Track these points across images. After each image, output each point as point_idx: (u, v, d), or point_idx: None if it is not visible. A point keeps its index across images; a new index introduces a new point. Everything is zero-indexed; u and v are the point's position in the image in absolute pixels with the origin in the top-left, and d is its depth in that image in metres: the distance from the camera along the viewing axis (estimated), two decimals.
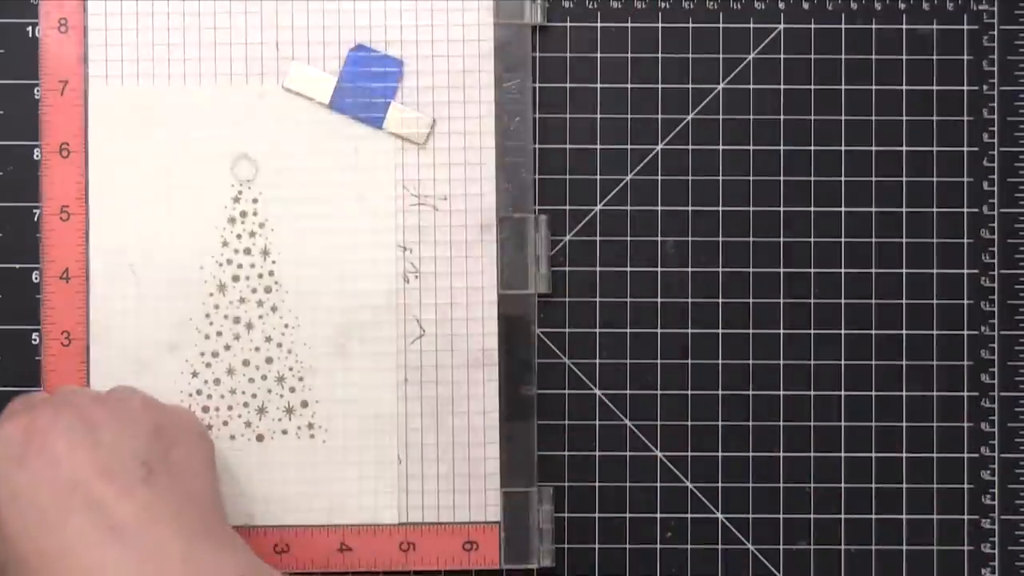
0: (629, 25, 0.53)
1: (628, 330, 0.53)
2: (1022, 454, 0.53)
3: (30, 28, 0.53)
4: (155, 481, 0.42)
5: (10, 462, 0.42)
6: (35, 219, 0.52)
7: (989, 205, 0.53)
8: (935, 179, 0.53)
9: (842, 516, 0.53)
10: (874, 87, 0.53)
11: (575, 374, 0.53)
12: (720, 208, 0.53)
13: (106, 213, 0.52)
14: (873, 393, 0.53)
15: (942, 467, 0.53)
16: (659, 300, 0.53)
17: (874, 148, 0.53)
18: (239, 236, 0.52)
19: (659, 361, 0.53)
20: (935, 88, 0.53)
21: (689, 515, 0.53)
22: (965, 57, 0.53)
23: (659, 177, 0.53)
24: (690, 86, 0.53)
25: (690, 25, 0.53)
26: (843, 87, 0.53)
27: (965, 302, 0.53)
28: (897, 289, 0.53)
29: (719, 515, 0.53)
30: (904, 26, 0.53)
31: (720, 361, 0.53)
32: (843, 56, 0.53)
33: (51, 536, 0.40)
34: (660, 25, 0.53)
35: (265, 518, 0.52)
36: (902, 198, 0.53)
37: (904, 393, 0.53)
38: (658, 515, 0.53)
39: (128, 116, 0.52)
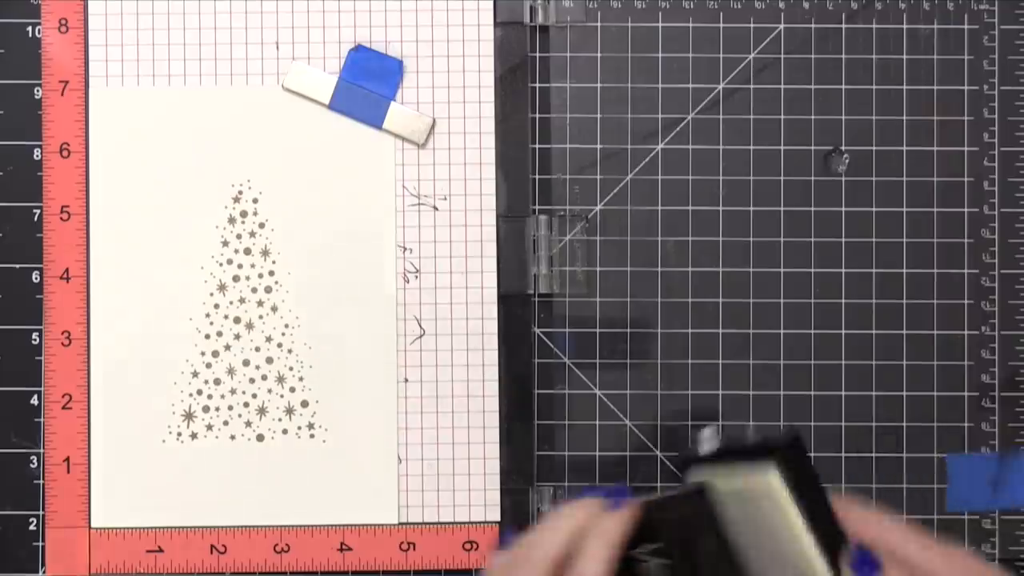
0: (629, 25, 0.53)
1: (628, 330, 0.53)
2: None
3: (31, 28, 0.53)
4: None
5: None
6: (35, 219, 0.52)
7: (989, 205, 0.53)
8: (935, 179, 0.53)
9: None
10: (874, 87, 0.53)
11: (575, 374, 0.53)
12: (720, 208, 0.53)
13: (106, 213, 0.52)
14: (873, 393, 0.53)
15: (943, 467, 0.53)
16: (659, 300, 0.53)
17: (874, 148, 0.53)
18: (239, 236, 0.52)
19: (659, 361, 0.53)
20: (935, 88, 0.53)
21: None
22: (965, 57, 0.53)
23: (659, 177, 0.53)
24: (690, 86, 0.53)
25: (690, 25, 0.53)
26: (843, 87, 0.53)
27: (965, 302, 0.53)
28: (897, 289, 0.53)
29: None
30: (904, 26, 0.53)
31: (720, 361, 0.53)
32: (843, 56, 0.53)
33: None
34: (660, 25, 0.53)
35: (265, 518, 0.52)
36: (902, 198, 0.53)
37: (904, 393, 0.53)
38: None
39: (128, 116, 0.52)
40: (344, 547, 0.52)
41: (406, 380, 0.52)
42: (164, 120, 0.52)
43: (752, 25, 0.53)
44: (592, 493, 0.36)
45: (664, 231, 0.53)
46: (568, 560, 0.35)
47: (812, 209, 0.53)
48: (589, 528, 0.35)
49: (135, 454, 0.52)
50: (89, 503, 0.52)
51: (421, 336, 0.52)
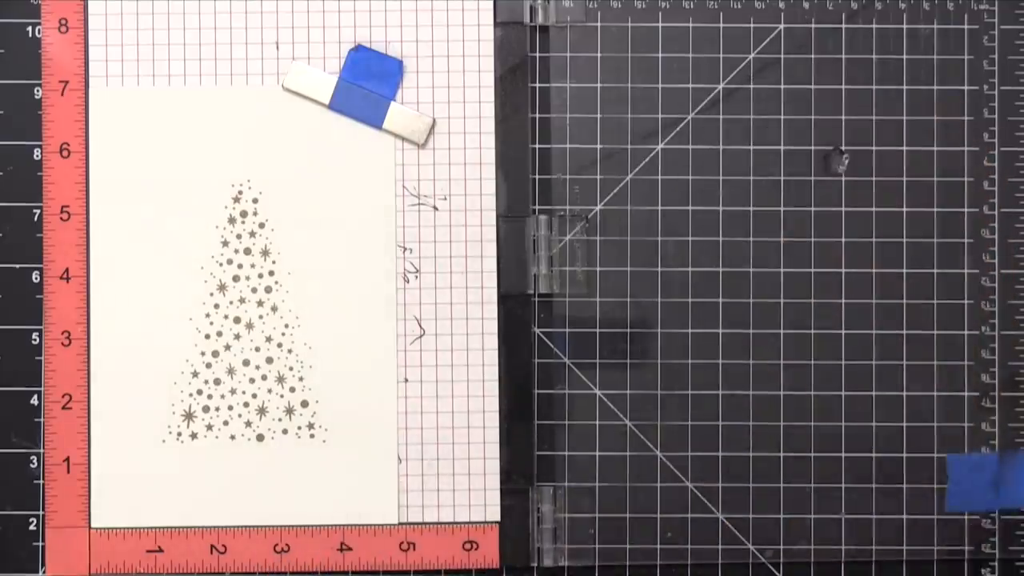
0: (629, 25, 0.53)
1: (628, 330, 0.53)
2: None
3: (31, 28, 0.53)
4: None
5: None
6: (35, 219, 0.52)
7: (989, 205, 0.53)
8: (935, 179, 0.53)
9: (842, 516, 0.53)
10: (874, 87, 0.53)
11: (575, 374, 0.53)
12: (720, 208, 0.53)
13: (106, 213, 0.52)
14: (873, 393, 0.53)
15: (943, 467, 0.53)
16: (659, 300, 0.53)
17: (874, 148, 0.53)
18: (239, 236, 0.52)
19: (659, 361, 0.53)
20: (935, 88, 0.53)
21: (689, 515, 0.53)
22: (965, 57, 0.53)
23: (659, 177, 0.53)
24: (690, 86, 0.53)
25: (690, 25, 0.53)
26: (843, 87, 0.53)
27: (965, 302, 0.53)
28: (897, 289, 0.53)
29: (719, 515, 0.53)
30: (904, 26, 0.53)
31: (720, 361, 0.53)
32: (843, 56, 0.53)
33: None
34: (660, 25, 0.53)
35: (265, 518, 0.52)
36: (902, 198, 0.53)
37: (904, 393, 0.53)
38: (658, 515, 0.53)
39: (128, 116, 0.52)
40: (344, 547, 0.52)
41: (406, 380, 0.52)
42: (164, 120, 0.52)
43: (752, 25, 0.53)
44: None
45: (664, 231, 0.53)
46: None
47: (812, 209, 0.53)
48: None
49: (135, 454, 0.52)
50: (89, 503, 0.52)
51: (421, 336, 0.52)
